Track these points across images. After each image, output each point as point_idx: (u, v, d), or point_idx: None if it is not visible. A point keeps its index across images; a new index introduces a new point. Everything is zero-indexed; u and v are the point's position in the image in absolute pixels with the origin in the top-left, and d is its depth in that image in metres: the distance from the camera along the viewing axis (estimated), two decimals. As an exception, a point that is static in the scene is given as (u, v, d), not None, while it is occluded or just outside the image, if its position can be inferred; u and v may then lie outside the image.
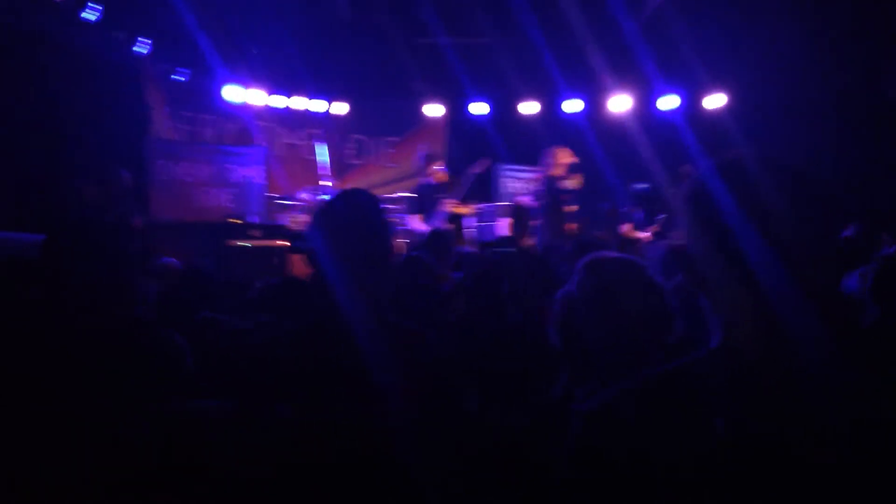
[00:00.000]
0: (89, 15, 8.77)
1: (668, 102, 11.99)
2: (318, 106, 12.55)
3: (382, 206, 2.14)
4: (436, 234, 6.22)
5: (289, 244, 9.32)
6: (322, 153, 10.91)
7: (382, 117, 13.35)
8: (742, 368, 1.12)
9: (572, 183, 8.96)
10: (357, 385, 1.85)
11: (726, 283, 1.15)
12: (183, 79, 11.06)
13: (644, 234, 9.26)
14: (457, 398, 2.14)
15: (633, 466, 1.11)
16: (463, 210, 9.53)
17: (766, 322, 1.11)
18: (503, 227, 10.18)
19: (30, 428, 1.80)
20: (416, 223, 9.00)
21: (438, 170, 9.24)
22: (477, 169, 9.98)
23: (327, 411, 1.87)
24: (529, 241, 9.26)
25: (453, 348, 3.09)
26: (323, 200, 9.41)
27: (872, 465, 1.07)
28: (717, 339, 1.18)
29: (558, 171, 8.95)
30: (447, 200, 9.11)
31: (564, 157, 8.97)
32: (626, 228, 9.49)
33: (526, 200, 10.29)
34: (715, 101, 11.87)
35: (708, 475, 1.07)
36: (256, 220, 10.36)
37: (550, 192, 9.02)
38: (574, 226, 9.07)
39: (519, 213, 10.14)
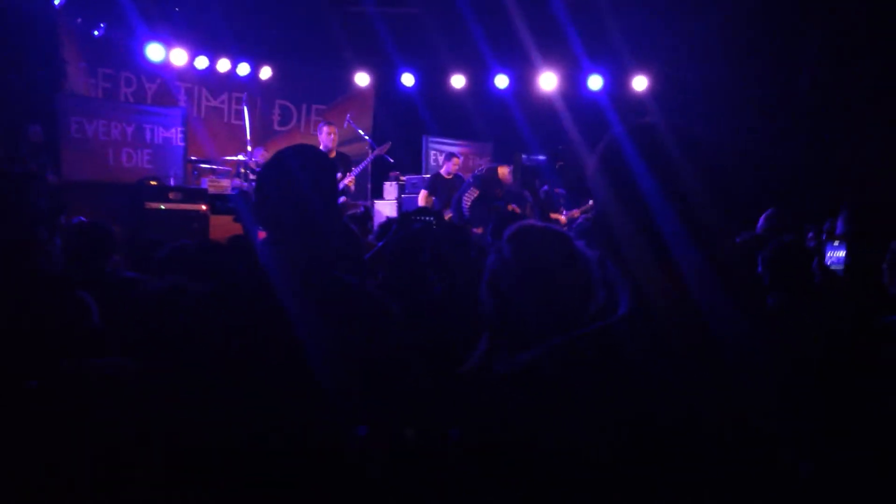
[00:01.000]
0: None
1: (594, 82, 12.17)
2: (242, 69, 12.25)
3: (331, 162, 2.12)
4: (352, 215, 6.20)
5: (210, 206, 9.15)
6: (245, 118, 10.69)
7: (309, 84, 13.14)
8: (653, 334, 1.14)
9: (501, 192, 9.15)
10: (282, 345, 1.83)
11: (636, 246, 1.16)
12: (97, 33, 10.62)
13: (567, 215, 9.43)
14: (405, 363, 2.13)
15: (546, 430, 1.12)
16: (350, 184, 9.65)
17: (675, 286, 1.14)
18: (420, 199, 10.22)
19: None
20: None
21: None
22: (379, 151, 10.08)
23: (242, 371, 1.85)
24: (447, 214, 9.34)
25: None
26: (256, 162, 9.24)
27: (780, 431, 1.11)
28: (627, 305, 1.20)
29: (494, 183, 9.19)
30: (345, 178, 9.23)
31: (504, 176, 9.31)
32: (553, 216, 9.66)
33: (447, 169, 10.35)
34: (638, 83, 12.11)
35: (619, 442, 1.08)
36: (175, 182, 10.09)
37: (484, 187, 9.21)
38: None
39: (437, 185, 10.18)
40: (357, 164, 9.87)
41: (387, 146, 10.13)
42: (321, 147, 9.18)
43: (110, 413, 1.49)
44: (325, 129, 9.34)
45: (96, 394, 1.52)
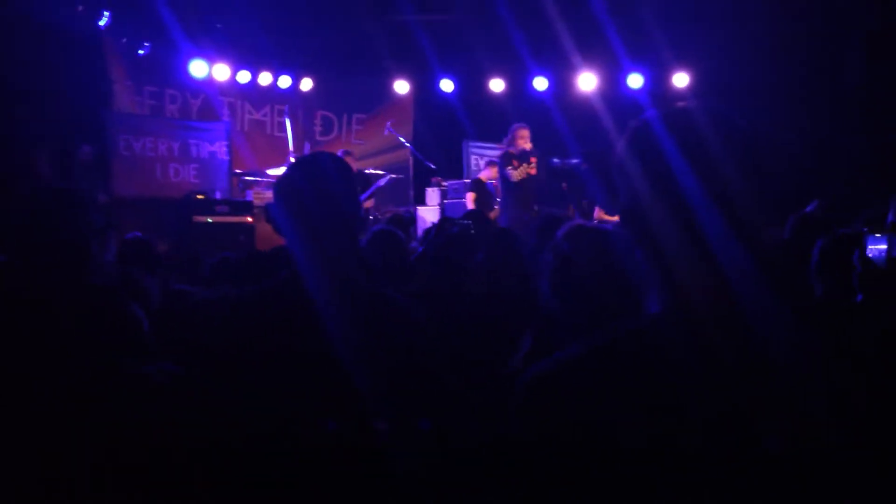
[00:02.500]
0: (49, -15, 8.58)
1: (634, 81, 12.07)
2: (283, 82, 12.41)
3: (345, 168, 2.13)
4: (395, 217, 6.26)
5: (263, 216, 9.31)
6: (287, 130, 10.85)
7: (350, 94, 13.25)
8: (692, 331, 1.10)
9: (518, 174, 8.89)
10: (319, 354, 1.85)
11: (671, 238, 1.12)
12: (142, 52, 10.87)
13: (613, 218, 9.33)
14: (432, 369, 2.13)
15: (574, 433, 1.09)
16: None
17: (715, 280, 1.09)
18: (468, 201, 10.24)
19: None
20: None
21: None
22: (381, 182, 10.23)
23: (285, 380, 1.87)
24: (494, 216, 9.32)
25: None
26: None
27: (827, 430, 1.06)
28: (660, 302, 1.15)
29: (513, 152, 8.94)
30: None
31: (521, 140, 8.94)
32: (598, 214, 9.56)
33: (485, 176, 10.36)
34: (679, 80, 11.98)
35: (659, 442, 1.05)
36: (220, 195, 10.27)
37: (502, 174, 9.10)
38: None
39: (480, 189, 10.19)
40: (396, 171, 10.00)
41: (389, 177, 10.41)
42: None
43: (163, 418, 1.53)
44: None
45: (150, 400, 1.56)
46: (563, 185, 9.85)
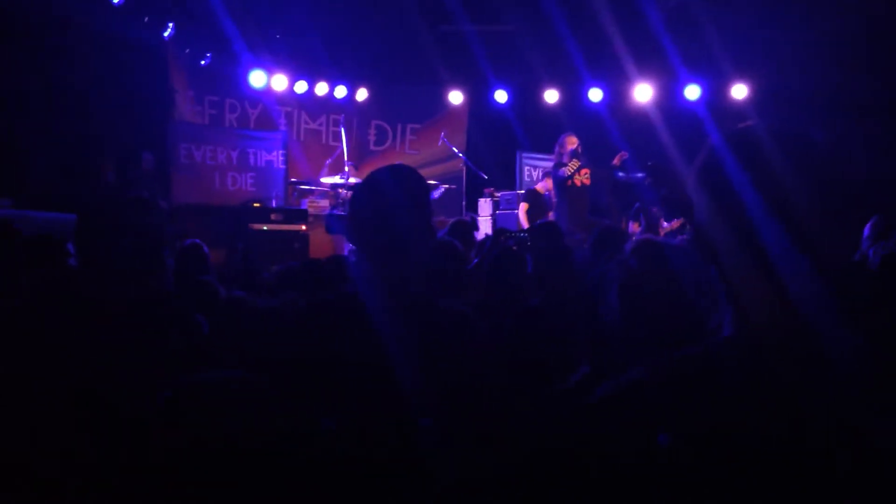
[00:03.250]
0: (114, -3, 8.84)
1: (691, 92, 11.93)
2: (339, 92, 12.57)
3: (425, 182, 2.14)
4: (459, 223, 6.27)
5: (327, 226, 9.46)
6: (343, 139, 10.98)
7: (404, 104, 13.34)
8: (758, 357, 1.09)
9: (570, 168, 8.99)
10: (378, 366, 1.86)
11: (739, 263, 1.11)
12: (204, 62, 11.12)
13: (663, 229, 9.24)
14: (495, 387, 2.13)
15: (640, 458, 1.09)
16: None
17: (783, 306, 1.08)
18: (521, 212, 10.27)
19: (59, 395, 1.86)
20: None
21: None
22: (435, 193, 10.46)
23: (344, 390, 1.89)
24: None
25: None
26: (352, 183, 9.60)
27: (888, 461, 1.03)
28: (732, 326, 1.14)
29: (563, 158, 9.08)
30: None
31: (569, 143, 9.09)
32: (665, 228, 9.47)
33: (541, 187, 10.38)
34: (738, 91, 11.80)
35: (722, 467, 1.04)
36: (276, 203, 10.43)
37: (555, 179, 9.25)
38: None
39: (535, 200, 10.19)
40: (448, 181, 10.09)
41: (442, 188, 10.57)
42: None
43: (230, 423, 1.57)
44: None
45: (218, 405, 1.60)
46: (608, 200, 9.81)
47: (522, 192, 11.14)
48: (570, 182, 9.09)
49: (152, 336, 1.90)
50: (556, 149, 9.26)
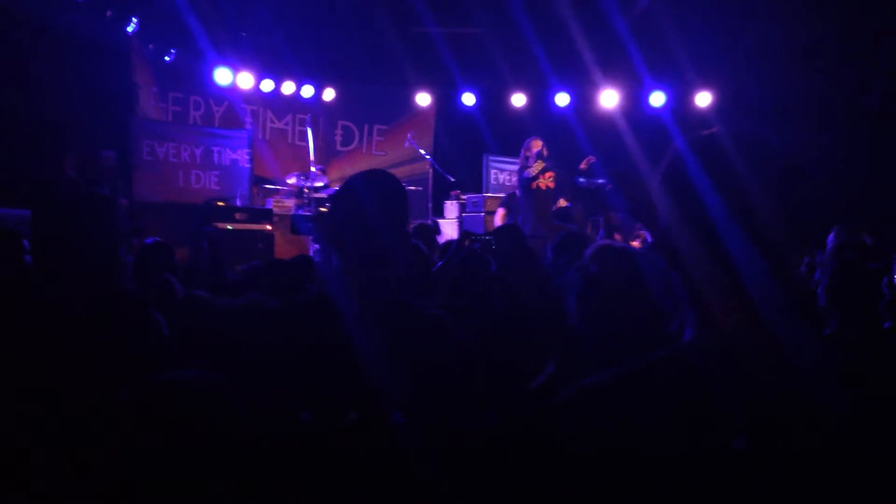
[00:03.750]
0: (79, -9, 8.71)
1: (656, 99, 12.07)
2: (306, 91, 12.50)
3: (403, 188, 2.15)
4: (421, 226, 6.27)
5: (291, 226, 9.37)
6: (309, 139, 10.91)
7: (371, 105, 13.32)
8: (724, 359, 1.10)
9: (535, 169, 9.09)
10: (348, 367, 1.86)
11: (703, 267, 1.13)
12: (168, 58, 10.99)
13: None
14: (467, 388, 2.13)
15: (613, 455, 1.10)
16: None
17: (745, 310, 1.10)
18: (497, 217, 10.30)
19: (13, 396, 1.82)
20: None
21: None
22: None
23: (306, 388, 1.88)
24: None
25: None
26: (318, 185, 9.49)
27: (863, 463, 1.05)
28: (694, 329, 1.15)
29: (528, 160, 9.17)
30: None
31: (534, 146, 9.20)
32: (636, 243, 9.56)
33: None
34: (702, 99, 11.97)
35: (692, 469, 1.05)
36: (241, 203, 10.34)
37: (521, 180, 9.30)
38: (562, 202, 9.26)
39: (512, 205, 10.23)
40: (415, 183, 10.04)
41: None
42: None
43: (196, 424, 1.55)
44: None
45: (182, 406, 1.58)
46: (566, 203, 9.86)
47: (501, 195, 11.14)
48: (534, 184, 9.17)
49: (110, 335, 1.87)
50: (522, 152, 9.34)
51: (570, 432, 1.15)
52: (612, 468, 1.09)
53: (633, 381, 1.15)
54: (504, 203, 10.41)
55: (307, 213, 9.71)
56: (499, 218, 10.22)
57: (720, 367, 1.10)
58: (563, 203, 9.63)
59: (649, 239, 8.88)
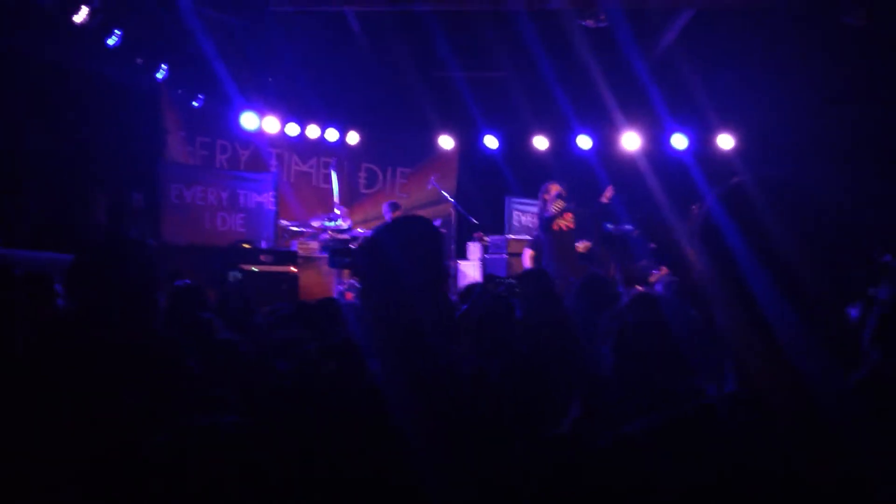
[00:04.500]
0: (110, 40, 8.93)
1: (678, 142, 12.10)
2: (331, 135, 12.68)
3: (437, 233, 2.18)
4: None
5: (330, 258, 9.49)
6: (333, 182, 11.03)
7: (395, 148, 13.46)
8: (755, 414, 1.10)
9: (557, 206, 9.20)
10: (373, 411, 1.87)
11: (735, 319, 1.14)
12: (196, 104, 11.21)
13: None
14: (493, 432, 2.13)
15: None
16: None
17: (780, 366, 1.09)
18: (525, 258, 10.31)
19: (53, 437, 1.86)
20: None
21: None
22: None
23: (338, 436, 1.90)
24: None
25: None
26: (342, 226, 9.55)
27: None
28: (733, 383, 1.16)
29: (548, 201, 9.24)
30: None
31: (553, 188, 9.38)
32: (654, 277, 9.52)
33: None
34: (724, 141, 11.98)
35: None
36: (266, 245, 10.44)
37: (542, 222, 9.43)
38: (582, 245, 9.28)
39: (539, 247, 10.26)
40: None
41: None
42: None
43: (224, 467, 1.58)
44: (386, 207, 9.82)
45: (214, 450, 1.61)
46: (590, 244, 9.86)
47: (525, 237, 11.16)
48: (555, 225, 9.23)
49: (143, 380, 1.90)
50: (541, 195, 9.50)
51: (612, 476, 1.16)
52: None
53: (668, 432, 1.16)
54: (532, 245, 10.44)
55: (345, 248, 9.82)
56: (527, 259, 10.24)
57: (756, 420, 1.10)
58: (586, 244, 9.66)
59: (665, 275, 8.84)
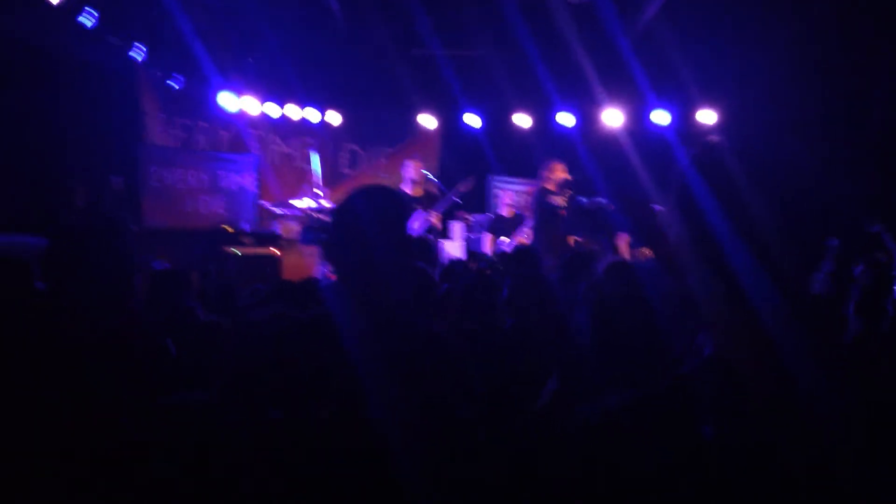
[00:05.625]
0: (85, 20, 8.79)
1: (660, 118, 12.09)
2: (312, 115, 12.59)
3: (401, 201, 2.16)
4: (424, 243, 6.26)
5: (301, 236, 9.43)
6: (315, 162, 10.95)
7: (376, 128, 13.40)
8: (731, 379, 1.11)
9: (562, 200, 9.02)
10: (347, 386, 1.86)
11: (708, 287, 1.14)
12: (177, 85, 11.07)
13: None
14: (470, 409, 2.13)
15: (626, 476, 1.11)
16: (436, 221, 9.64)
17: (752, 331, 1.10)
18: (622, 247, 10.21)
19: (29, 423, 1.84)
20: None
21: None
22: (462, 188, 10.08)
23: (316, 409, 1.89)
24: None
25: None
26: (322, 206, 9.48)
27: (860, 477, 1.06)
28: (708, 350, 1.16)
29: (551, 186, 9.04)
30: (433, 213, 9.31)
31: (559, 171, 9.04)
32: (622, 243, 9.51)
33: (506, 211, 10.43)
34: (706, 117, 11.99)
35: (698, 488, 1.07)
36: (248, 227, 10.38)
37: (541, 206, 9.12)
38: (572, 239, 9.18)
39: (499, 226, 10.27)
40: (441, 200, 9.96)
41: (470, 182, 10.15)
42: (408, 183, 9.35)
43: (196, 444, 1.57)
44: (410, 164, 9.54)
45: (186, 426, 1.60)
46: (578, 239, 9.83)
47: (493, 215, 11.14)
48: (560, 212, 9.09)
49: (120, 361, 1.88)
50: (544, 174, 9.15)
51: (593, 450, 1.16)
52: (619, 488, 1.10)
53: (647, 404, 1.17)
54: (490, 227, 10.43)
55: (318, 224, 9.75)
56: (488, 243, 10.22)
57: (731, 385, 1.11)
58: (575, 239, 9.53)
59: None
